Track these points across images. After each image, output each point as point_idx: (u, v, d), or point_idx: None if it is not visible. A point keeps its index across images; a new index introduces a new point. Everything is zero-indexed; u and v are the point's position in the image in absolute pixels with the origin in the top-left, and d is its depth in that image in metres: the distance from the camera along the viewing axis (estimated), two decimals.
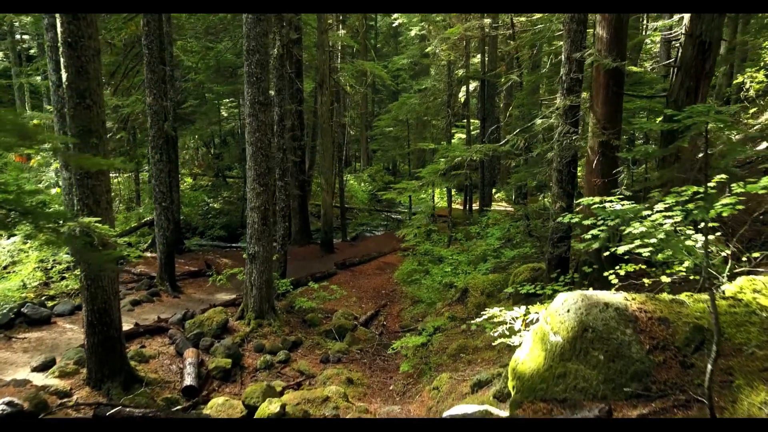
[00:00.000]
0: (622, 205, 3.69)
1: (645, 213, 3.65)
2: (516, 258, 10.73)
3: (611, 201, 3.91)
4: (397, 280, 13.11)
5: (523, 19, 13.74)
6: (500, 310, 4.92)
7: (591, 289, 4.46)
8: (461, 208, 24.73)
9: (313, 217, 19.73)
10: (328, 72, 15.70)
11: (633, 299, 3.85)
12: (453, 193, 22.66)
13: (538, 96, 11.90)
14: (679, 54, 6.89)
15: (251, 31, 8.65)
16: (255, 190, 9.16)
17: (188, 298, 11.23)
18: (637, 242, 4.10)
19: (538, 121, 7.31)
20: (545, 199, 16.94)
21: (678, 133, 6.86)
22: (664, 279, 4.34)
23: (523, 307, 4.73)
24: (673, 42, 9.63)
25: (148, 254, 14.36)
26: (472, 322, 7.80)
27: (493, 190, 25.16)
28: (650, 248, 4.12)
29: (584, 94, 8.20)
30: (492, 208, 23.51)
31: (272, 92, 12.23)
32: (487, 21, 15.56)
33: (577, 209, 7.57)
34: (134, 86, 14.79)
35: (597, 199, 4.05)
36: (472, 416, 3.79)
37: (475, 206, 23.89)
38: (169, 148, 13.89)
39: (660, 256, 4.08)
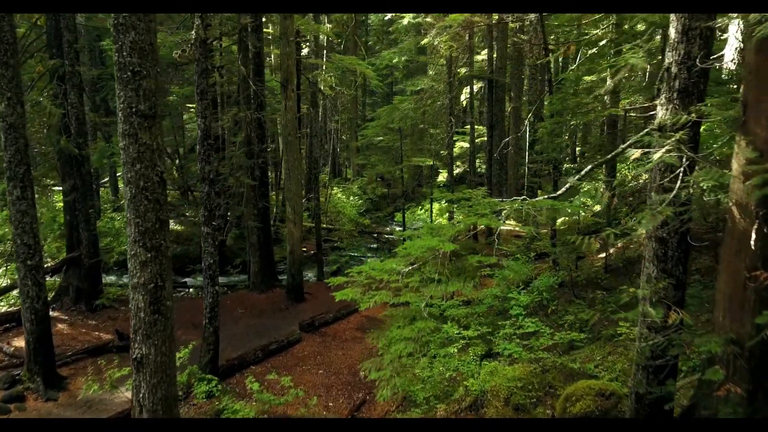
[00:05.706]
0: None
1: None
2: (558, 346, 7.20)
3: None
4: (383, 353, 9.51)
5: None
6: None
7: None
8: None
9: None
10: (294, 69, 12.12)
11: None
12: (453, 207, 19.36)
13: (578, 101, 8.27)
14: None
15: None
16: (138, 258, 5.57)
17: (70, 398, 7.63)
18: None
19: (634, 151, 3.75)
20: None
21: None
22: None
23: None
24: None
25: (54, 313, 10.75)
26: None
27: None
28: None
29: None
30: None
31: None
32: None
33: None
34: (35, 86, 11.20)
35: None
36: None
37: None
38: (73, 171, 10.32)
39: None
